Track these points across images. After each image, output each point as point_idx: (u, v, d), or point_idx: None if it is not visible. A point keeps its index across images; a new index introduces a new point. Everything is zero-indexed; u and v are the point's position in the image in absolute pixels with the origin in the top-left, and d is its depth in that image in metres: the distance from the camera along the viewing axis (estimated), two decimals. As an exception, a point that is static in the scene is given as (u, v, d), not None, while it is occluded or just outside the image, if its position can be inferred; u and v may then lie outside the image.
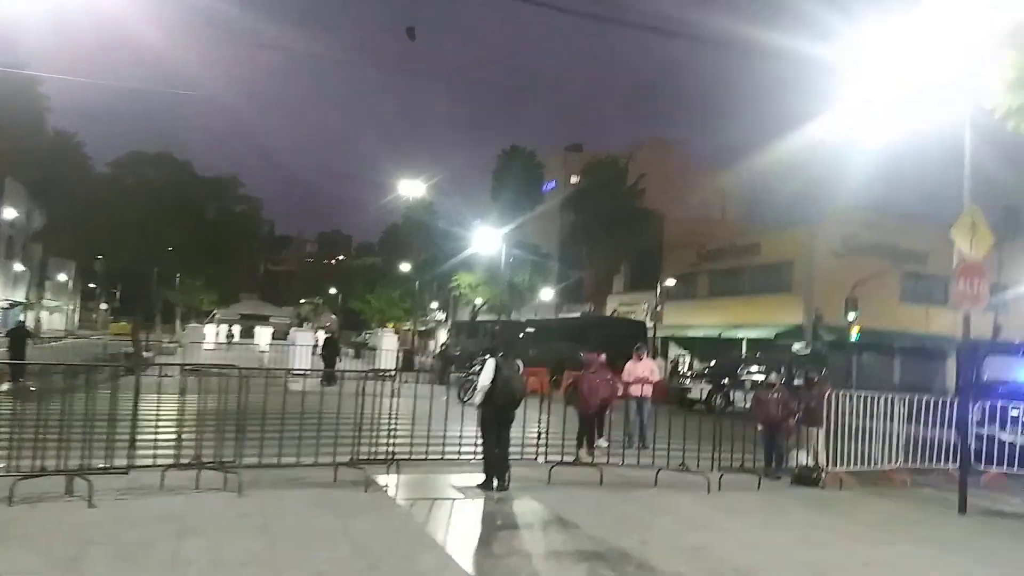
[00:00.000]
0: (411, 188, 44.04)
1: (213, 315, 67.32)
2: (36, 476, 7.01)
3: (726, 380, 24.41)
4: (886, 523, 8.62)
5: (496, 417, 8.76)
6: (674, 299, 42.41)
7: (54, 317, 66.05)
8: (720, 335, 38.31)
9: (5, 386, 13.29)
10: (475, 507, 8.06)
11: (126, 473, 7.52)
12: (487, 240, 39.25)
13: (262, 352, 36.37)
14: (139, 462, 7.79)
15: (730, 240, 41.43)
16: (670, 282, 41.04)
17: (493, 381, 8.65)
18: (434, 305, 67.89)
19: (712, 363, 31.02)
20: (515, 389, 8.70)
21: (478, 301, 48.18)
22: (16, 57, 27.70)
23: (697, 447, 10.13)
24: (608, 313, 46.26)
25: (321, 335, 33.58)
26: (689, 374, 31.00)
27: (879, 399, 11.26)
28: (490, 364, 8.75)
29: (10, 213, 43.02)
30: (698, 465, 9.91)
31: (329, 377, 15.68)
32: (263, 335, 53.92)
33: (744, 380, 23.80)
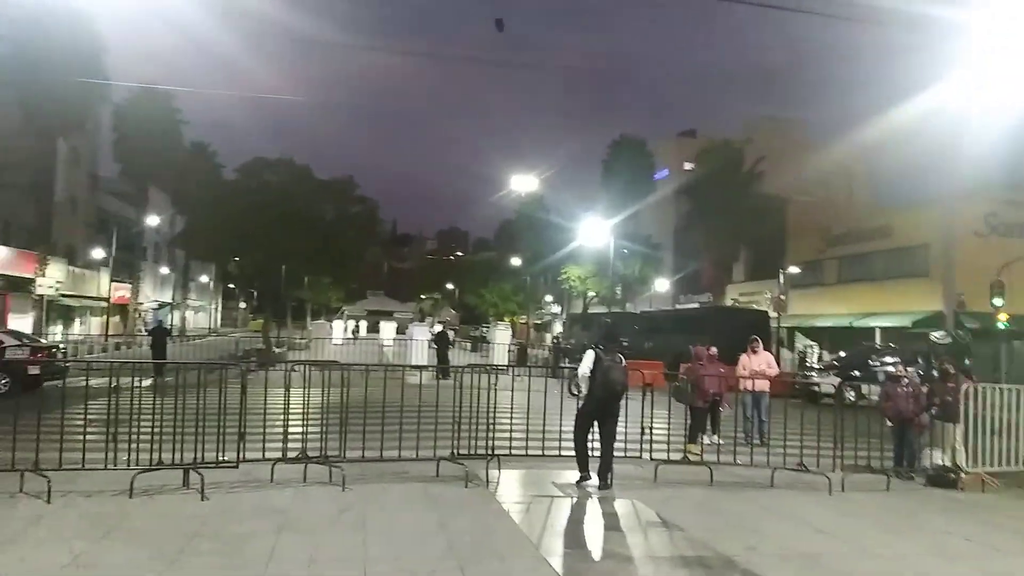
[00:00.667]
0: (523, 183, 44.25)
1: (342, 311, 70.60)
2: (154, 470, 7.39)
3: (857, 372, 23.07)
4: (1035, 532, 7.72)
5: (598, 410, 8.54)
6: (799, 287, 40.46)
7: (199, 316, 71.12)
8: (851, 324, 36.27)
9: (147, 382, 14.25)
10: (574, 506, 7.85)
11: (236, 467, 7.81)
12: (596, 232, 38.77)
13: (385, 346, 37.59)
14: (250, 455, 8.08)
15: (858, 223, 39.07)
16: (794, 269, 39.17)
17: (593, 372, 8.43)
18: (548, 298, 68.00)
19: (842, 354, 29.39)
20: (614, 380, 8.41)
21: (590, 293, 47.78)
22: (152, 75, 29.91)
23: (817, 444, 9.48)
24: (727, 303, 44.80)
25: (437, 329, 34.24)
26: (818, 366, 29.50)
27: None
28: (589, 354, 8.58)
29: (154, 220, 46.45)
30: (818, 464, 9.29)
31: (444, 371, 15.95)
32: (387, 330, 55.83)
33: (877, 371, 22.39)
